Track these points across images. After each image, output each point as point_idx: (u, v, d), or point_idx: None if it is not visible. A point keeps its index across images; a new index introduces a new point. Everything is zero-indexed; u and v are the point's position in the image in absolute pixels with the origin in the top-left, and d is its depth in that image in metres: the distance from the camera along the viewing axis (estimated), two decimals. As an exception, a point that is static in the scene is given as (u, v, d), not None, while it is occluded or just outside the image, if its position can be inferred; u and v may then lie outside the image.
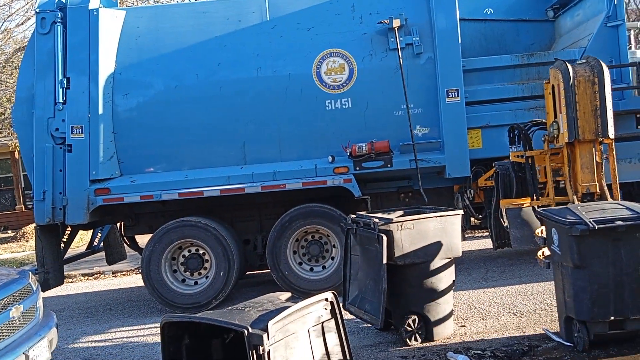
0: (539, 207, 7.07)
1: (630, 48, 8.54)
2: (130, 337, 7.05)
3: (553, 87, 6.65)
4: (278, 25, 8.04)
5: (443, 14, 7.82)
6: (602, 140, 6.42)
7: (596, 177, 6.44)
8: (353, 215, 6.22)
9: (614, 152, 6.54)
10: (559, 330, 5.54)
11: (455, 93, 7.79)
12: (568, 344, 5.27)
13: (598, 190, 6.44)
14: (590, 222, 4.82)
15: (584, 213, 5.00)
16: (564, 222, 4.99)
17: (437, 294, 5.66)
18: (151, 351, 6.35)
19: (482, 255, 9.68)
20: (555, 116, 6.62)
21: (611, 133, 6.31)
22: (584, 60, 6.66)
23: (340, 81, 7.90)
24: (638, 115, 7.82)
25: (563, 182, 7.05)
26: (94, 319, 8.20)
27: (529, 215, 7.21)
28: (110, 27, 7.99)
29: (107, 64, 7.91)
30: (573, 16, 8.49)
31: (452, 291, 5.83)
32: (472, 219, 8.48)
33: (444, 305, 5.72)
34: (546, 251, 5.80)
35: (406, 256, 5.50)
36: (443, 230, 5.67)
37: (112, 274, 11.80)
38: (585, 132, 6.31)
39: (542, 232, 5.89)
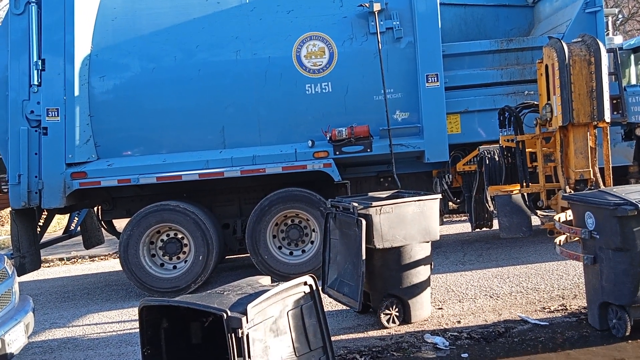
0: (528, 195, 6.91)
1: (607, 34, 8.61)
2: (108, 321, 7.01)
3: (547, 67, 6.28)
4: (257, 8, 7.95)
5: (423, -2, 7.81)
6: (597, 124, 6.08)
7: (590, 162, 6.11)
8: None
9: (609, 136, 6.25)
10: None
11: (435, 78, 7.80)
12: (543, 323, 5.36)
13: (592, 177, 6.14)
14: (637, 202, 4.60)
15: (623, 194, 4.80)
16: (608, 203, 4.76)
17: (415, 277, 5.72)
18: (129, 335, 6.33)
19: (460, 239, 9.78)
20: (549, 98, 6.26)
21: (607, 116, 5.96)
22: (579, 39, 6.30)
23: (320, 65, 7.86)
24: (615, 101, 7.93)
25: (536, 167, 7.00)
26: (71, 303, 8.14)
27: (518, 202, 7.07)
28: (86, 7, 7.85)
29: (83, 46, 7.77)
30: (552, 2, 8.54)
31: (429, 274, 5.89)
32: (450, 203, 8.56)
33: (421, 288, 5.78)
34: (561, 237, 5.54)
35: (385, 240, 5.53)
36: (421, 214, 5.71)
37: (90, 258, 11.70)
38: (580, 115, 5.93)
39: (560, 220, 5.58)
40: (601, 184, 6.22)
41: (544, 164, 6.75)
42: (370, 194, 6.64)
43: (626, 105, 7.81)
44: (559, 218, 5.71)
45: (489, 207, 7.64)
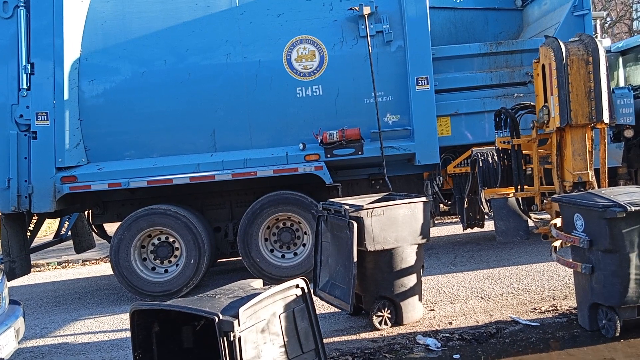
0: (521, 198, 6.81)
1: (596, 37, 8.69)
2: (99, 325, 6.98)
3: (543, 66, 6.16)
4: (247, 11, 7.96)
5: (413, 2, 7.83)
6: (594, 125, 5.96)
7: (588, 165, 5.97)
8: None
9: (606, 139, 6.16)
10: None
11: (425, 81, 7.84)
12: (534, 324, 5.39)
13: (590, 179, 6.01)
14: (626, 204, 4.61)
15: (612, 196, 4.79)
16: (597, 205, 4.76)
17: (407, 279, 5.73)
18: (121, 339, 6.31)
19: (451, 241, 9.82)
20: (546, 100, 6.15)
21: (606, 117, 5.83)
22: (576, 38, 6.20)
23: (311, 68, 7.88)
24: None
25: (530, 169, 6.98)
26: (62, 307, 8.09)
27: (515, 206, 6.98)
28: (76, 11, 7.82)
29: (72, 50, 7.74)
30: (540, 5, 8.61)
31: (421, 276, 5.91)
32: (441, 205, 8.60)
33: (413, 289, 5.80)
34: (556, 243, 5.52)
35: (376, 242, 5.55)
36: (412, 216, 5.73)
37: (81, 262, 11.65)
38: (578, 116, 5.79)
39: (556, 226, 5.53)
40: (595, 186, 6.14)
41: (539, 166, 6.68)
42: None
43: (614, 107, 7.86)
44: (555, 224, 5.64)
45: (484, 209, 7.63)
